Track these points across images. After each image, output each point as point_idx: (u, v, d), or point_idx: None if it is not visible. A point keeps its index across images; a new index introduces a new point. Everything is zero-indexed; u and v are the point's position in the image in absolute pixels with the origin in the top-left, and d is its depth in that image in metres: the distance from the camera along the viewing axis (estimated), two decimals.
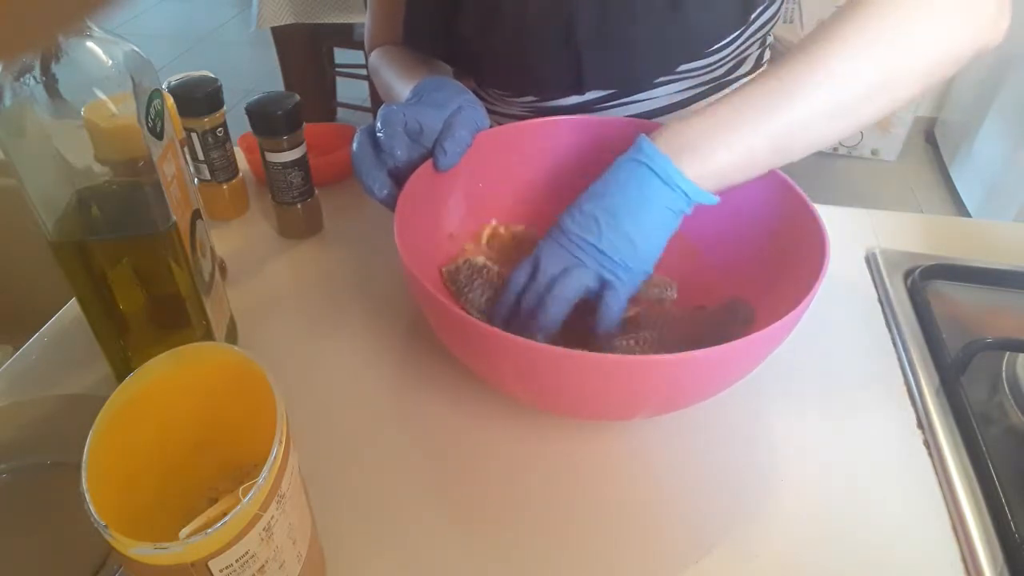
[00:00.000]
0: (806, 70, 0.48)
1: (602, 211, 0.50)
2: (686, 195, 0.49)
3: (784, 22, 0.69)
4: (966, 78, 2.25)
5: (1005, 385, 0.55)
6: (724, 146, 0.48)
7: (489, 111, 0.75)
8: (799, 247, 0.51)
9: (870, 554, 0.44)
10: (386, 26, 0.77)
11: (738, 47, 0.66)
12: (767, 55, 0.75)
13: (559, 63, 0.66)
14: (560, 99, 0.70)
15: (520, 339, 0.41)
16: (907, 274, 0.65)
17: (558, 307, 0.50)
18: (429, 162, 0.57)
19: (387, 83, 0.71)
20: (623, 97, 0.69)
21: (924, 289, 0.62)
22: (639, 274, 0.51)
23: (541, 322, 0.50)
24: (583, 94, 0.69)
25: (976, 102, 2.13)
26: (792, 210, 0.53)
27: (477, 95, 0.81)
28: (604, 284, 0.51)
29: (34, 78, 0.39)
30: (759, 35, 0.67)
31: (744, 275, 0.56)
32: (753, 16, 0.64)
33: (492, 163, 0.62)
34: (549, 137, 0.63)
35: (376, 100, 2.07)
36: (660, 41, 0.64)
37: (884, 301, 0.63)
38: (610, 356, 0.41)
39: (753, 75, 0.73)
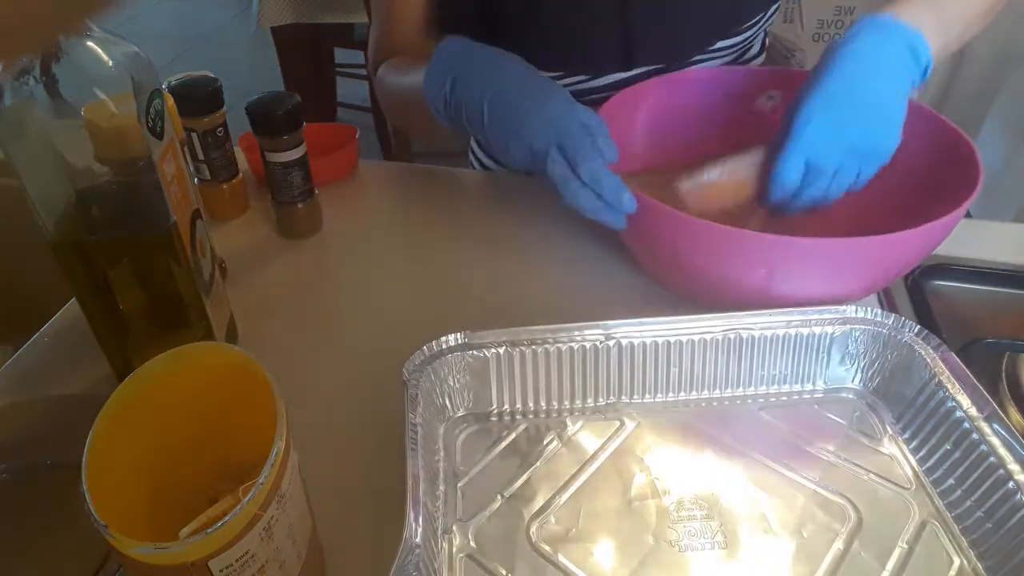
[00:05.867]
0: None
1: (866, 104, 0.52)
2: (924, 72, 0.54)
3: (785, 22, 0.71)
4: (966, 78, 2.24)
5: (1005, 385, 0.55)
6: (943, 34, 0.54)
7: None
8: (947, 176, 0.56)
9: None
10: (402, 28, 0.73)
11: (756, 30, 0.71)
12: (763, 47, 0.80)
13: (610, 37, 0.68)
14: (604, 77, 0.72)
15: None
16: (907, 274, 0.65)
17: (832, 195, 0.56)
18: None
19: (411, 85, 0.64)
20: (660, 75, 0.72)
21: (924, 288, 0.62)
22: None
23: (821, 204, 0.56)
24: (629, 70, 0.71)
25: (976, 102, 2.13)
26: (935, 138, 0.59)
27: None
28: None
29: (34, 78, 0.39)
30: (768, 22, 0.73)
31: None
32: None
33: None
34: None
35: (377, 101, 2.06)
36: (707, 12, 0.68)
37: (884, 301, 0.63)
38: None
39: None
